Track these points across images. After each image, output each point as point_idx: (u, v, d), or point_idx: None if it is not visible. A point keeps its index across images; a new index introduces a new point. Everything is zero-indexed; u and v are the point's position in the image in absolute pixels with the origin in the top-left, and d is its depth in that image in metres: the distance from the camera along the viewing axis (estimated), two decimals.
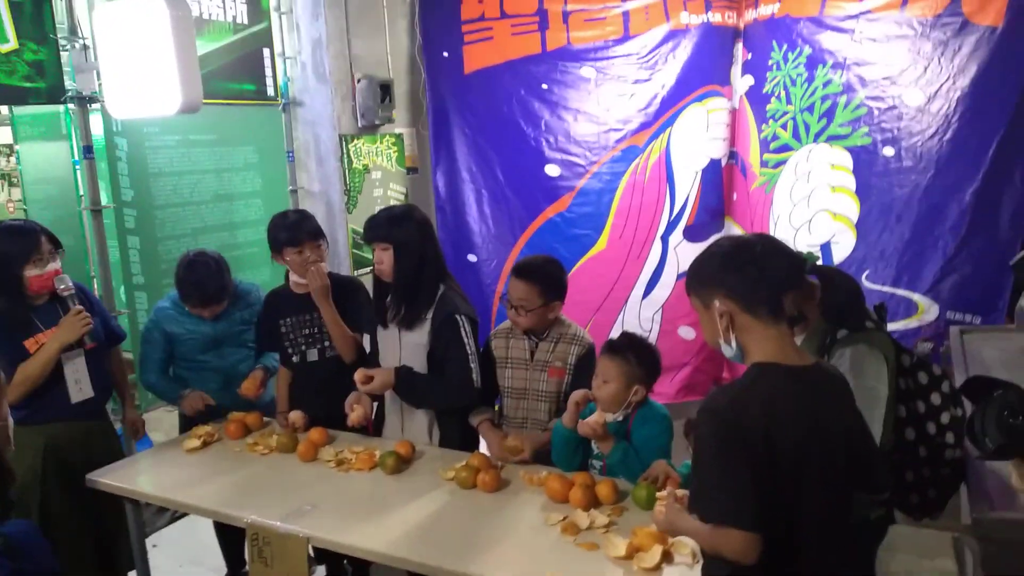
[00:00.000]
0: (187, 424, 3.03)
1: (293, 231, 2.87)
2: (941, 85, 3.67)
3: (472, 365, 2.61)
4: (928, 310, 3.81)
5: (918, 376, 2.16)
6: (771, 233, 4.27)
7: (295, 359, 2.99)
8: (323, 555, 2.95)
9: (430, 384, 2.66)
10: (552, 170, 4.61)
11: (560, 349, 2.69)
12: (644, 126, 4.51)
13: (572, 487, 2.23)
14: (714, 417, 1.51)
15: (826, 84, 4.00)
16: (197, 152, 3.81)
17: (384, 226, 2.65)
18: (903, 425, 2.12)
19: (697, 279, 1.63)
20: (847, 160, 3.98)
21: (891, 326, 3.83)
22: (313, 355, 2.97)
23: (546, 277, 2.67)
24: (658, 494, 1.97)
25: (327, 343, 2.95)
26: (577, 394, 2.40)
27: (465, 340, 2.61)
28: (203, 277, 2.92)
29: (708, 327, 1.62)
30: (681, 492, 1.67)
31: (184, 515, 3.36)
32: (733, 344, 1.58)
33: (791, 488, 1.48)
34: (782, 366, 1.54)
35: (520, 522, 2.17)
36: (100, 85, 3.12)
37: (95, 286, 3.41)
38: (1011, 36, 3.51)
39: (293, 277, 2.96)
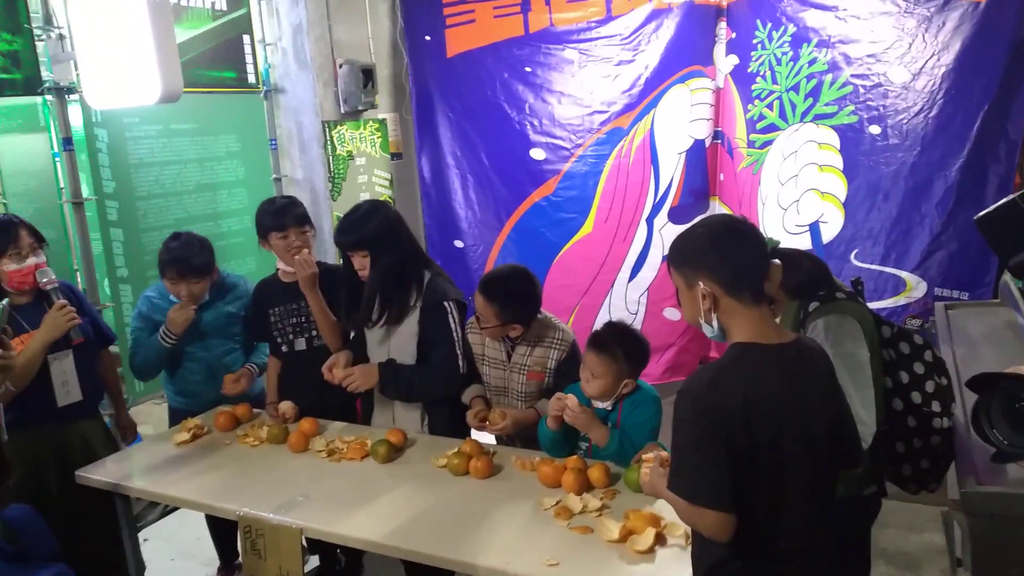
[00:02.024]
0: (176, 417, 3.01)
1: (278, 216, 2.85)
2: (926, 62, 3.68)
3: (458, 351, 2.60)
4: (916, 287, 3.84)
5: (900, 346, 2.17)
6: (759, 213, 4.28)
7: (284, 348, 2.97)
8: (316, 545, 2.95)
9: (414, 377, 2.64)
10: (537, 154, 4.59)
11: (539, 353, 2.63)
12: (628, 108, 4.50)
13: (564, 471, 2.23)
14: (692, 398, 1.52)
15: (811, 63, 3.99)
16: (179, 142, 3.77)
17: (352, 232, 2.60)
18: (890, 396, 2.13)
19: (682, 258, 1.63)
20: (834, 139, 3.99)
21: (880, 304, 3.86)
22: (301, 344, 2.96)
23: (506, 297, 2.56)
24: (644, 456, 1.98)
25: (315, 332, 2.93)
26: (557, 403, 2.33)
27: (452, 326, 2.60)
28: (185, 249, 2.86)
29: (689, 305, 1.63)
30: (665, 455, 1.68)
31: (175, 508, 3.35)
32: (715, 324, 1.59)
33: (772, 466, 1.50)
34: (762, 345, 1.55)
35: (513, 508, 2.17)
36: (78, 75, 3.07)
37: (78, 280, 3.37)
38: (993, 11, 3.51)
39: (280, 265, 2.94)
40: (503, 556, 1.93)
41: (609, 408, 2.38)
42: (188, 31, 3.72)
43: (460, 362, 2.61)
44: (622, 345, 2.34)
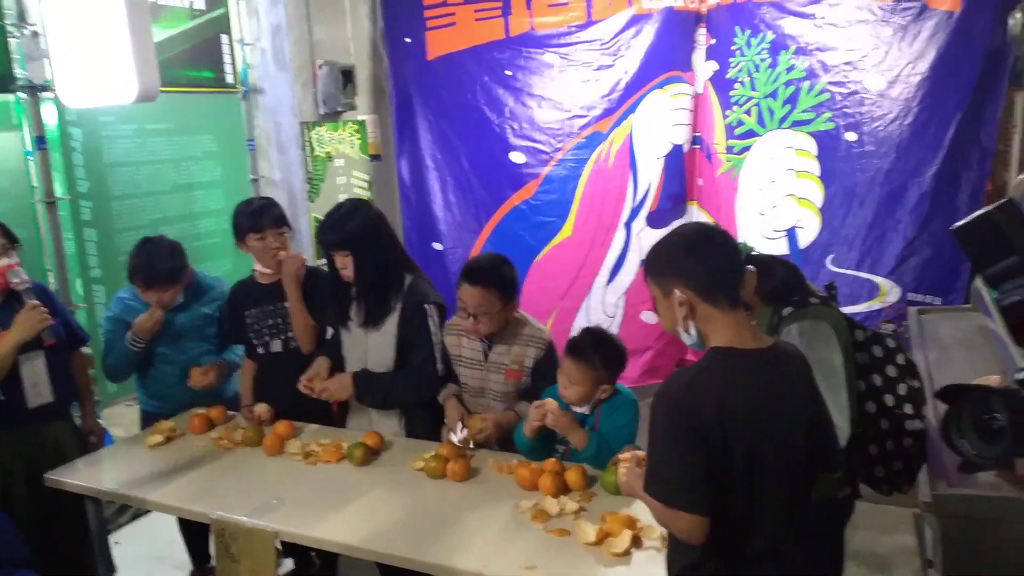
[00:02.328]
0: (148, 420, 2.97)
1: (256, 217, 2.83)
2: (901, 70, 3.73)
3: (436, 355, 2.60)
4: (890, 292, 3.89)
5: (873, 350, 2.20)
6: (737, 219, 4.31)
7: (260, 350, 2.95)
8: (291, 548, 2.93)
9: (391, 384, 2.63)
10: (517, 157, 4.59)
11: (516, 352, 2.60)
12: (607, 112, 4.52)
13: (541, 474, 2.23)
14: (668, 401, 1.53)
15: (789, 69, 4.03)
16: (155, 141, 3.74)
17: (333, 231, 2.59)
18: (863, 399, 2.15)
19: (656, 267, 1.63)
20: (811, 145, 4.03)
21: (855, 308, 3.90)
22: (277, 346, 2.93)
23: (500, 279, 2.53)
24: (620, 456, 1.99)
25: (291, 334, 2.91)
26: (537, 411, 2.32)
27: (432, 329, 2.59)
28: (153, 256, 2.83)
29: (666, 314, 1.63)
30: (642, 455, 1.68)
31: (147, 512, 3.31)
32: (692, 332, 1.59)
33: (747, 469, 1.51)
34: (738, 350, 1.56)
35: (490, 510, 2.16)
36: (52, 73, 3.03)
37: (50, 280, 3.32)
38: (968, 20, 3.57)
39: (257, 267, 2.91)
40: (480, 559, 1.92)
41: (587, 412, 2.38)
42: (165, 30, 3.69)
43: (438, 365, 2.60)
44: (600, 351, 2.34)
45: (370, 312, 2.61)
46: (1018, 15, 3.38)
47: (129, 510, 3.55)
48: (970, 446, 0.89)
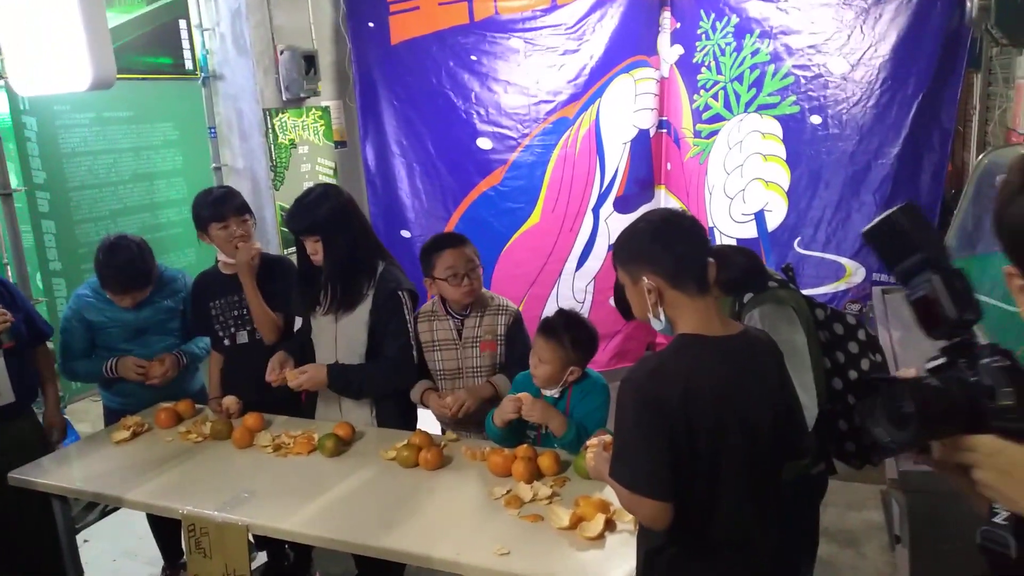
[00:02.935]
0: (112, 417, 2.91)
1: (217, 206, 2.79)
2: (863, 53, 3.77)
3: (412, 343, 2.60)
4: (855, 273, 3.94)
5: (834, 327, 2.23)
6: (707, 203, 4.34)
7: (226, 342, 2.91)
8: (264, 541, 2.91)
9: (365, 374, 2.61)
10: (484, 143, 4.57)
11: (488, 321, 2.67)
12: (574, 98, 4.51)
13: (514, 461, 2.23)
14: (634, 387, 1.54)
15: (754, 53, 4.06)
16: (113, 130, 3.65)
17: (304, 216, 2.56)
18: (829, 376, 2.19)
19: (625, 254, 1.63)
20: (777, 129, 4.06)
21: (821, 289, 3.96)
22: (243, 337, 2.89)
23: (467, 240, 2.68)
24: (588, 442, 2.00)
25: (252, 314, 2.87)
26: (512, 404, 2.33)
27: (407, 316, 2.58)
28: (124, 262, 2.78)
29: (636, 301, 1.63)
30: (609, 439, 1.70)
31: (116, 508, 3.26)
32: (662, 318, 1.60)
33: (711, 456, 1.52)
34: (706, 337, 1.56)
35: (463, 498, 2.16)
36: (2, 60, 2.94)
37: (8, 274, 3.24)
38: (926, 4, 3.61)
39: (221, 257, 2.87)
40: (454, 547, 1.92)
41: (556, 395, 2.39)
42: (121, 15, 3.60)
43: (412, 352, 2.60)
44: (569, 332, 2.36)
45: (341, 298, 2.59)
46: None
47: (97, 507, 3.49)
48: (884, 433, 0.93)
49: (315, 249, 2.57)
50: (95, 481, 2.42)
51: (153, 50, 3.80)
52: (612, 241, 4.64)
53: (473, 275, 2.60)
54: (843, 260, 3.96)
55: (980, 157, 3.18)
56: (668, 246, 1.56)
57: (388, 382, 2.64)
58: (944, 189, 3.79)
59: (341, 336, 2.64)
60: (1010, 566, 0.94)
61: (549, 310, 4.41)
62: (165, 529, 3.06)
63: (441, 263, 2.59)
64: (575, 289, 4.73)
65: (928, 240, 0.99)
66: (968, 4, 3.45)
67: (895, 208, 1.03)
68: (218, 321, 2.89)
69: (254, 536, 2.22)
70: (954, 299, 0.96)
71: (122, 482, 2.38)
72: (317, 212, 2.55)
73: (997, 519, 0.95)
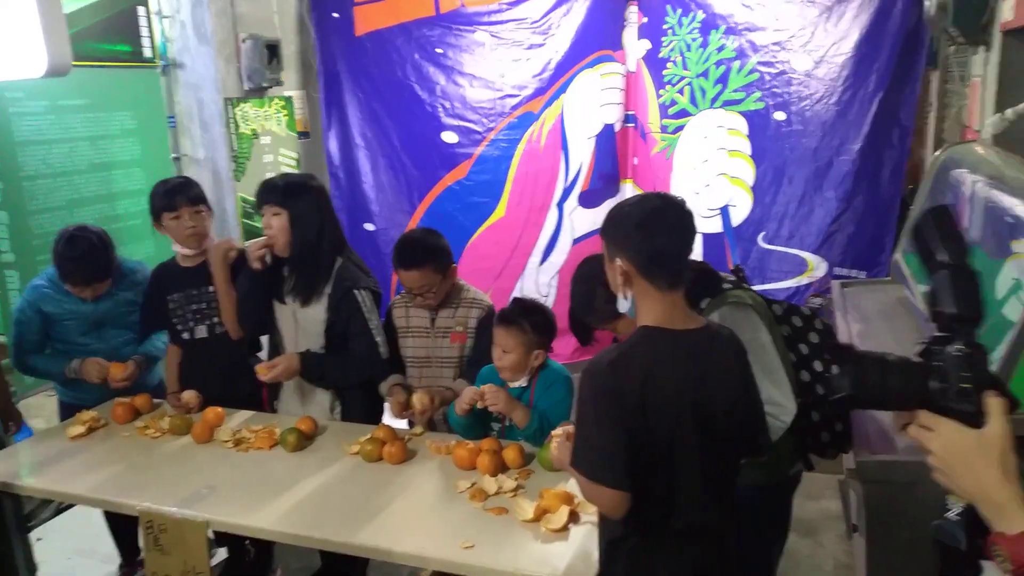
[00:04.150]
0: (67, 412, 2.85)
1: (170, 195, 2.73)
2: (826, 51, 3.82)
3: (377, 338, 2.56)
4: (818, 267, 4.01)
5: (792, 321, 2.26)
6: None
7: (184, 336, 2.85)
8: (223, 537, 2.86)
9: (337, 363, 2.59)
10: (449, 137, 4.55)
11: (460, 314, 2.67)
12: (539, 92, 4.51)
13: (479, 454, 2.22)
14: (593, 378, 1.55)
15: (720, 49, 4.09)
16: (69, 118, 3.57)
17: (280, 191, 2.55)
18: (797, 369, 2.21)
19: (607, 231, 1.65)
20: (742, 125, 4.10)
21: (785, 284, 4.01)
22: (202, 332, 2.84)
23: (432, 255, 2.57)
24: (552, 432, 2.01)
25: (216, 319, 2.82)
26: (473, 395, 2.33)
27: (366, 315, 2.55)
28: (85, 253, 2.72)
29: (611, 275, 1.65)
30: (572, 429, 1.70)
31: (71, 506, 3.19)
32: (628, 299, 1.62)
33: (668, 449, 1.54)
34: (667, 330, 1.58)
35: (428, 492, 2.15)
36: None
37: None
38: (887, 3, 3.68)
39: (178, 248, 2.81)
40: (418, 541, 1.91)
41: (524, 384, 2.39)
42: (77, 1, 3.51)
43: (381, 349, 2.58)
44: (528, 318, 2.38)
45: (300, 288, 2.56)
46: None
47: (52, 504, 3.41)
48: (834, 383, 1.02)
49: (270, 223, 2.53)
50: (48, 477, 2.36)
51: (111, 37, 3.72)
52: (576, 235, 4.71)
53: (427, 294, 2.58)
54: (806, 255, 4.02)
55: (937, 153, 3.24)
56: (648, 237, 1.56)
57: (360, 375, 2.64)
58: (903, 185, 3.86)
59: (301, 327, 2.61)
60: (960, 559, 0.96)
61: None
62: (122, 526, 3.00)
63: (399, 277, 2.62)
64: (539, 283, 4.73)
65: (946, 240, 1.02)
66: (926, 3, 3.52)
67: (925, 210, 1.08)
68: (176, 315, 2.83)
69: (214, 532, 2.18)
70: (956, 296, 0.99)
71: (77, 478, 2.33)
72: (293, 189, 2.55)
73: (949, 514, 0.98)
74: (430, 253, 2.57)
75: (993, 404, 0.93)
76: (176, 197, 2.73)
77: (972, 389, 0.95)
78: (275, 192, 2.55)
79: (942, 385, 0.97)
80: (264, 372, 2.58)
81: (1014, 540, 0.88)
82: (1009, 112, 2.83)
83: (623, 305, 1.64)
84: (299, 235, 2.53)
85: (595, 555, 1.74)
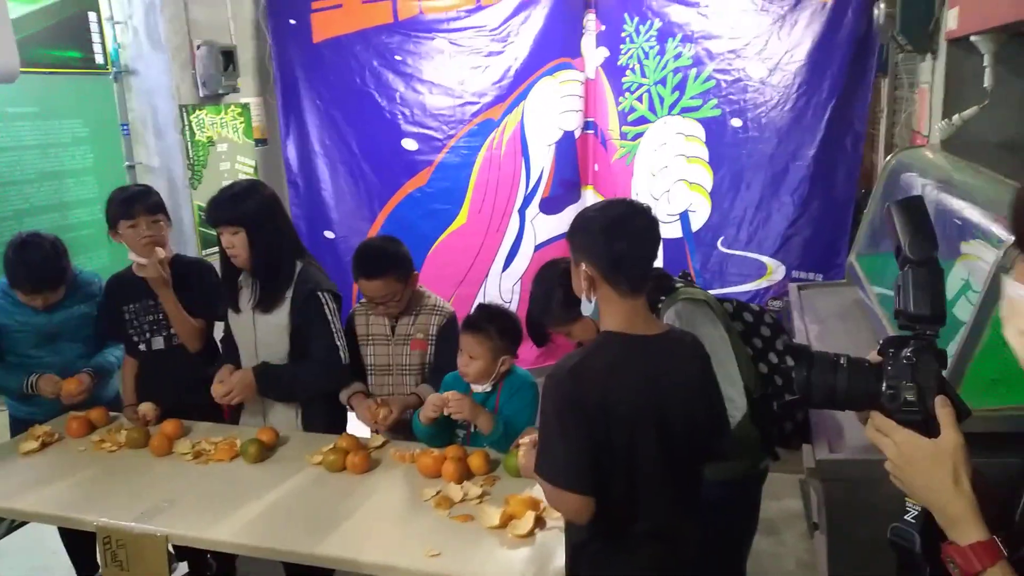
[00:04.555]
0: (18, 427, 2.76)
1: (128, 204, 2.67)
2: (780, 58, 3.89)
3: (339, 343, 2.53)
4: (776, 271, 4.07)
5: (744, 316, 2.31)
6: None
7: (141, 347, 2.79)
8: (184, 551, 2.80)
9: (295, 374, 2.55)
10: (409, 144, 4.54)
11: (421, 321, 2.66)
12: (499, 99, 4.52)
13: (444, 461, 2.22)
14: (555, 384, 1.56)
15: (676, 57, 4.14)
16: (17, 126, 3.47)
17: (229, 207, 2.47)
18: (755, 362, 2.25)
19: (573, 235, 1.66)
20: (699, 131, 4.16)
21: (744, 287, 4.07)
22: (159, 343, 2.79)
23: (393, 263, 2.56)
24: (520, 441, 2.02)
25: (174, 331, 2.77)
26: (436, 402, 2.32)
27: (329, 317, 2.52)
28: (36, 260, 2.65)
29: (575, 279, 1.66)
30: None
31: (25, 523, 3.09)
32: (592, 302, 1.63)
33: (628, 453, 1.55)
34: (628, 336, 1.59)
35: (393, 501, 2.14)
36: None
37: None
38: (838, 11, 3.76)
39: (134, 257, 2.74)
40: (383, 551, 1.89)
41: (489, 390, 2.39)
42: (24, 6, 3.42)
43: (342, 353, 2.54)
44: (494, 323, 2.38)
45: (261, 296, 2.52)
46: (882, 5, 3.59)
47: (5, 522, 3.31)
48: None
49: (232, 242, 2.47)
50: (0, 495, 2.29)
51: (60, 43, 3.64)
52: (538, 241, 4.72)
53: (390, 303, 2.57)
54: (764, 258, 4.08)
55: (888, 158, 3.32)
56: (611, 243, 1.57)
57: (318, 383, 2.59)
58: (856, 189, 3.95)
59: (260, 336, 2.57)
60: (916, 561, 0.99)
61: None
62: (78, 543, 2.92)
63: (359, 287, 2.61)
64: (502, 289, 4.74)
65: (915, 234, 1.02)
66: (875, 11, 3.61)
67: (897, 200, 1.07)
68: (132, 326, 2.78)
69: (174, 546, 2.14)
70: (915, 294, 0.99)
71: (31, 494, 2.26)
72: (243, 204, 2.47)
73: (907, 516, 1.01)
74: (392, 262, 2.56)
75: (943, 415, 0.95)
76: (134, 205, 2.67)
77: (917, 400, 0.97)
78: (227, 209, 2.47)
79: (891, 391, 0.99)
80: (220, 393, 2.53)
81: (965, 551, 0.90)
82: (956, 118, 2.91)
83: (587, 308, 1.65)
84: (261, 246, 2.48)
85: (561, 560, 1.75)
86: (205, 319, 2.79)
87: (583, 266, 1.60)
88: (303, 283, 2.53)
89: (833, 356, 1.05)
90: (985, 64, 2.75)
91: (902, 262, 1.02)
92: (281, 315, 2.53)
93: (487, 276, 4.73)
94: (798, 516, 3.32)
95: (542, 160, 4.61)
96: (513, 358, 2.42)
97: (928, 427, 0.96)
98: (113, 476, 2.36)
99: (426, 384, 2.62)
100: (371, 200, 4.62)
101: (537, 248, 4.72)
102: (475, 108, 4.51)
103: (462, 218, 4.63)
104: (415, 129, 4.53)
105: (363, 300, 2.71)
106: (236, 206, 2.47)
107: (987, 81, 2.78)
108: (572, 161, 4.67)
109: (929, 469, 0.94)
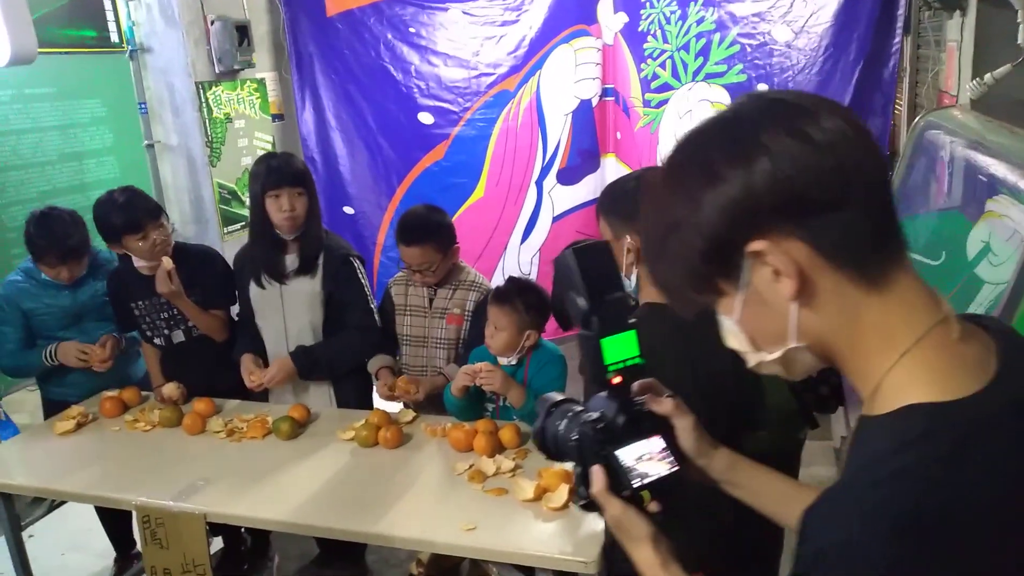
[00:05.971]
0: (53, 409, 2.77)
1: (130, 213, 2.57)
2: (806, 21, 3.80)
3: (372, 308, 2.57)
4: None
5: None
6: None
7: (157, 341, 2.78)
8: (218, 527, 2.84)
9: (331, 349, 2.57)
10: (425, 118, 4.50)
11: (458, 296, 2.66)
12: (514, 70, 4.46)
13: (475, 435, 2.22)
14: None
15: (699, 22, 4.05)
16: (37, 108, 3.47)
17: (290, 169, 2.51)
18: None
19: (612, 208, 1.62)
20: (726, 98, 4.08)
21: None
22: (179, 336, 2.77)
23: (435, 232, 2.58)
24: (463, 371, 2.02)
25: (192, 323, 2.75)
26: (464, 376, 2.32)
27: (363, 281, 2.56)
28: (59, 230, 2.62)
29: (617, 253, 1.62)
30: None
31: (63, 502, 3.15)
32: (633, 279, 1.60)
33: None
34: (670, 308, 1.57)
35: (425, 475, 2.15)
36: None
37: None
38: None
39: (138, 262, 2.67)
40: (419, 525, 1.91)
41: (515, 363, 2.39)
42: None
43: (376, 317, 2.57)
44: (522, 296, 2.37)
45: (303, 261, 2.55)
46: None
47: (45, 501, 3.37)
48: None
49: (294, 205, 2.48)
50: (40, 475, 2.34)
51: (76, 22, 3.62)
52: (555, 213, 4.68)
53: (427, 272, 2.58)
54: None
55: (916, 119, 3.26)
56: None
57: (355, 352, 2.62)
58: (886, 150, 3.88)
59: (289, 312, 2.58)
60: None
61: (496, 283, 4.40)
62: (115, 520, 2.96)
63: (400, 253, 2.61)
64: (520, 262, 4.72)
65: (587, 285, 0.97)
66: None
67: (565, 251, 1.00)
68: (145, 322, 2.76)
69: (209, 522, 2.17)
70: (586, 357, 0.97)
71: (69, 475, 2.30)
72: (298, 165, 2.55)
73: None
74: (432, 230, 2.57)
75: (598, 495, 0.97)
76: (138, 214, 2.59)
77: (581, 475, 0.97)
78: (289, 174, 2.50)
79: (578, 472, 0.98)
80: (258, 380, 2.54)
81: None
82: (988, 77, 2.84)
83: (627, 285, 1.62)
84: (315, 207, 2.55)
85: (596, 530, 1.75)
86: (223, 308, 2.79)
87: (628, 238, 1.58)
88: (334, 250, 2.54)
89: (573, 409, 1.03)
90: (1019, 20, 2.67)
91: (576, 317, 0.97)
92: (315, 283, 2.53)
93: (506, 249, 4.71)
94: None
95: (559, 130, 4.56)
96: (539, 332, 2.41)
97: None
98: (148, 455, 2.39)
99: (453, 364, 2.62)
100: (388, 175, 4.59)
101: (555, 219, 4.69)
102: (490, 79, 4.46)
103: (479, 192, 4.60)
104: (431, 103, 4.48)
105: (403, 269, 2.71)
106: (296, 168, 2.51)
107: (1020, 38, 2.70)
108: (590, 130, 4.61)
109: (624, 541, 0.99)
